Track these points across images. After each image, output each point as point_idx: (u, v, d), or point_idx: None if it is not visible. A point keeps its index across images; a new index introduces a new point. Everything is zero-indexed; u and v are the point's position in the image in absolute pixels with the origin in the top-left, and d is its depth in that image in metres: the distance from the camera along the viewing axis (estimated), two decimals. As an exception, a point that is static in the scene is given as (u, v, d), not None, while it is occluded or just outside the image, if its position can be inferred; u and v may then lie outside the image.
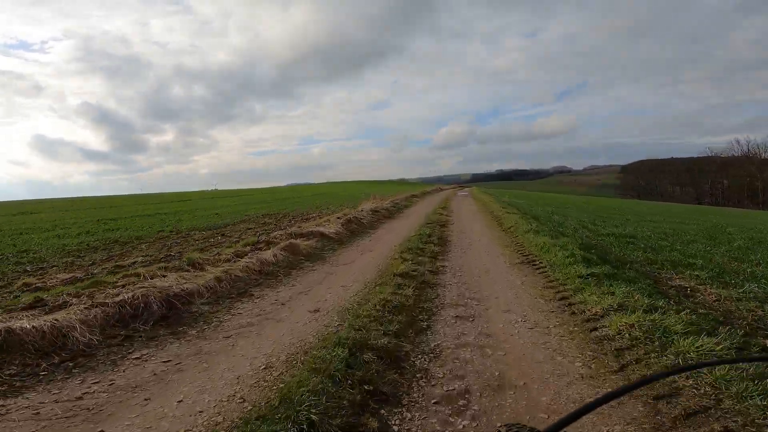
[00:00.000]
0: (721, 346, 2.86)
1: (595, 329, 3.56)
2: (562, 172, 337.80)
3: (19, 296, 4.76)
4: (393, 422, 2.41)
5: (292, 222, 12.37)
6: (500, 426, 0.90)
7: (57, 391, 2.80)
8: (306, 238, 8.16)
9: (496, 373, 2.95)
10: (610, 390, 0.92)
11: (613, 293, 4.14)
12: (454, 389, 2.76)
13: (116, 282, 5.03)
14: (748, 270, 5.57)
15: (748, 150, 64.63)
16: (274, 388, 2.73)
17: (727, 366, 2.46)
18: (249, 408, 2.49)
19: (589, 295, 4.27)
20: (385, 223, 12.54)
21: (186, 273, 5.36)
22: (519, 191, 55.82)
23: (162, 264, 6.01)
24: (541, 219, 11.39)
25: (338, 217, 11.00)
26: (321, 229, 8.95)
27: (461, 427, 2.37)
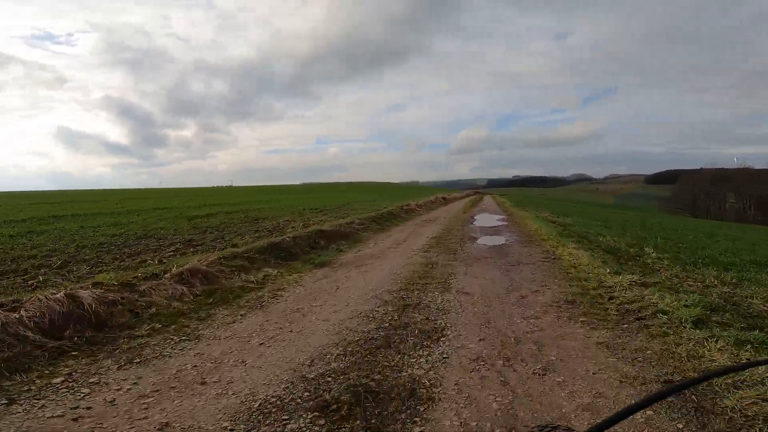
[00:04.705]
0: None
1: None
2: (582, 180, 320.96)
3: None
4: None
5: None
6: (534, 426, 0.85)
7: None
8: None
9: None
10: (653, 393, 0.76)
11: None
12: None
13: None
14: None
15: None
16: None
17: None
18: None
19: None
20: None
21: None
22: (576, 206, 42.36)
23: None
24: None
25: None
26: None
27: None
